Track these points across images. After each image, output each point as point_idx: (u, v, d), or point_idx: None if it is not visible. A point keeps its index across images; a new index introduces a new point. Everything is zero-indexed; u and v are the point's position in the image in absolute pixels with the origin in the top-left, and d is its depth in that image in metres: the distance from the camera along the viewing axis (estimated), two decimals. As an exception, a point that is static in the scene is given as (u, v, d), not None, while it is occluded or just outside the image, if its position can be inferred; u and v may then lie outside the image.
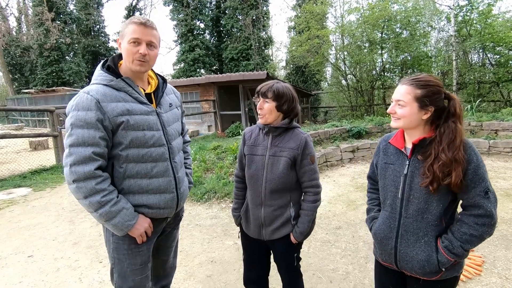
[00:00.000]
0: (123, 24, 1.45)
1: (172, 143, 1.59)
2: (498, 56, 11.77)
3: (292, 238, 1.71)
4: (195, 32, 21.79)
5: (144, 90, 1.53)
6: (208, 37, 23.82)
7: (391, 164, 1.39)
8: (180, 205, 1.65)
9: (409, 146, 1.35)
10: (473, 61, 13.33)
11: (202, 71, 22.00)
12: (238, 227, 1.93)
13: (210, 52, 22.61)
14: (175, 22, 21.96)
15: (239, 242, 3.39)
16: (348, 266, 2.81)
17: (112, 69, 1.47)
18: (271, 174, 1.66)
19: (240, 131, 9.90)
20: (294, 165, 1.67)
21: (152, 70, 1.62)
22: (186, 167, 1.83)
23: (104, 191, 1.36)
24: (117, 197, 1.40)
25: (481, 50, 12.11)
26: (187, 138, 1.91)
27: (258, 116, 1.69)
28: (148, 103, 1.51)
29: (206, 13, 22.89)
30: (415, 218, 1.30)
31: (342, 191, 4.90)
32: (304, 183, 1.71)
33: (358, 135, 7.69)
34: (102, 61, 1.51)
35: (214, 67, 23.52)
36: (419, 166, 1.29)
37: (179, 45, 22.47)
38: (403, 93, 1.27)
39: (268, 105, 1.64)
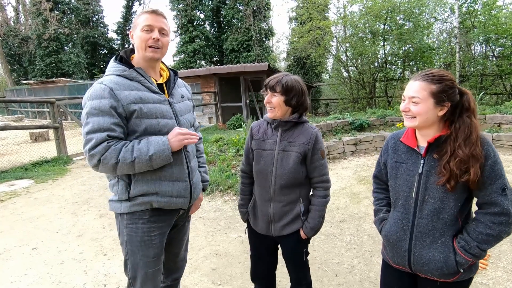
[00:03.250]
0: (134, 17, 1.50)
1: None
2: (501, 48, 11.65)
3: (302, 233, 1.69)
4: (195, 23, 21.56)
5: (156, 81, 1.56)
6: (208, 28, 23.58)
7: (403, 163, 1.35)
8: (193, 195, 1.64)
9: (422, 144, 1.31)
10: (476, 53, 13.20)
11: (203, 62, 21.83)
12: (246, 223, 1.91)
13: (210, 43, 22.40)
14: (175, 13, 21.70)
15: (243, 235, 3.40)
16: (353, 260, 2.81)
17: (125, 60, 1.50)
18: (281, 169, 1.63)
19: (242, 123, 9.85)
20: (304, 160, 1.64)
21: (163, 63, 1.64)
22: (200, 166, 1.83)
23: (125, 145, 1.38)
24: (137, 139, 1.42)
25: (484, 42, 11.97)
26: (199, 134, 1.88)
27: (267, 110, 1.65)
28: (161, 92, 1.53)
29: (206, 4, 22.60)
30: (431, 218, 1.27)
31: (345, 184, 4.89)
32: (314, 178, 1.68)
33: (361, 127, 7.65)
34: (115, 55, 1.55)
35: (215, 59, 23.34)
36: (434, 164, 1.25)
37: (179, 36, 22.26)
38: (417, 89, 1.23)
39: (276, 99, 1.59)
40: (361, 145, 6.85)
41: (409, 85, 1.28)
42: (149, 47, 1.45)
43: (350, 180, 5.10)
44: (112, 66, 1.48)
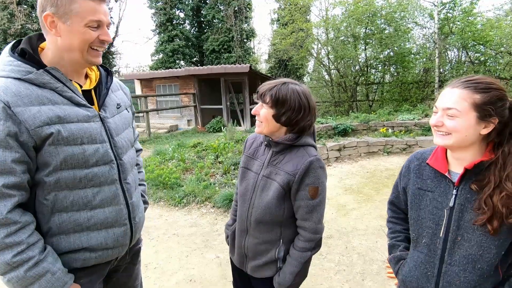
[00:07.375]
0: None
1: (123, 158, 1.17)
2: (478, 54, 11.92)
3: (275, 284, 1.36)
4: (174, 22, 20.93)
5: (81, 86, 1.10)
6: (188, 27, 22.97)
7: (428, 192, 1.08)
8: (134, 238, 1.26)
9: (454, 170, 1.04)
10: (453, 59, 13.48)
11: (182, 62, 21.22)
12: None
13: (190, 43, 21.81)
14: (153, 11, 20.97)
15: (222, 255, 3.06)
16: (343, 285, 2.53)
17: (30, 56, 1.00)
18: (259, 200, 1.31)
19: (222, 126, 9.47)
20: (289, 195, 1.28)
21: None
22: (140, 183, 1.43)
23: (19, 245, 0.93)
24: (41, 253, 0.98)
25: (461, 48, 12.21)
26: (138, 145, 1.50)
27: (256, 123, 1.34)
28: (88, 104, 1.08)
29: (186, 2, 22.00)
30: (464, 267, 1.00)
31: (331, 194, 4.64)
32: (297, 221, 1.32)
33: (344, 132, 7.47)
34: (11, 43, 1.03)
35: (194, 59, 22.76)
36: (471, 197, 0.98)
37: (157, 35, 21.54)
38: (455, 99, 0.95)
39: (264, 112, 1.25)
40: (345, 150, 6.65)
41: (444, 93, 1.00)
42: (92, 48, 1.03)
43: (335, 189, 4.85)
44: (8, 62, 0.96)
